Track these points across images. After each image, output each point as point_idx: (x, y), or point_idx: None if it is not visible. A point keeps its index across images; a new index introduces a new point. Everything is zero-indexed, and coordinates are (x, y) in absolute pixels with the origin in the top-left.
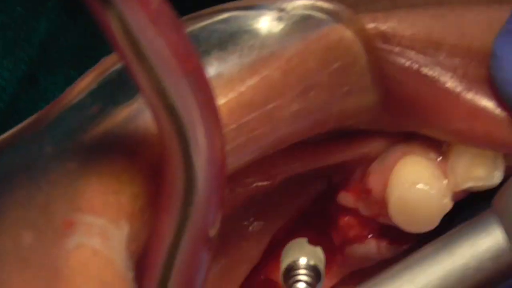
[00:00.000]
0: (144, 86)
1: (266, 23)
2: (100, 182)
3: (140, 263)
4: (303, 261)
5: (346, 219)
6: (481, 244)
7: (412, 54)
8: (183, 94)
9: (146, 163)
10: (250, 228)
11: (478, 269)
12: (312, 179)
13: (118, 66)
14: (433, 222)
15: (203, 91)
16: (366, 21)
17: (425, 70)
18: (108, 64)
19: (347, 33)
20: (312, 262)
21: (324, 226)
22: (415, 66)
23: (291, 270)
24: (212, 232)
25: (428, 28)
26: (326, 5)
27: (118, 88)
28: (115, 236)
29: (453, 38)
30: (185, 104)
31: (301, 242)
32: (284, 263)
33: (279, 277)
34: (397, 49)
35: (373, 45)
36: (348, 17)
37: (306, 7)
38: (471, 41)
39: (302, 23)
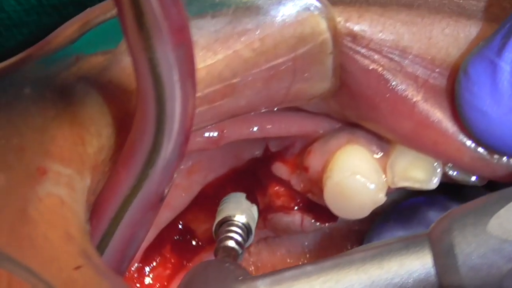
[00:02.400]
0: (136, 52)
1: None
2: (71, 131)
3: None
4: (238, 218)
5: (276, 188)
6: (409, 265)
7: (377, 57)
8: (170, 66)
9: (115, 118)
10: (182, 177)
11: (400, 286)
12: (250, 144)
13: (101, 18)
14: (364, 213)
15: (188, 64)
16: (340, 17)
17: (387, 75)
18: (93, 16)
19: (321, 24)
20: (246, 220)
21: (253, 189)
22: (379, 69)
23: (225, 225)
24: (165, 194)
25: (397, 35)
26: None
27: (99, 40)
28: (79, 187)
29: (419, 47)
30: (170, 76)
31: (240, 197)
32: (220, 215)
33: (198, 226)
34: (364, 50)
35: (341, 41)
36: (325, 8)
37: None
38: (436, 52)
39: (281, 6)
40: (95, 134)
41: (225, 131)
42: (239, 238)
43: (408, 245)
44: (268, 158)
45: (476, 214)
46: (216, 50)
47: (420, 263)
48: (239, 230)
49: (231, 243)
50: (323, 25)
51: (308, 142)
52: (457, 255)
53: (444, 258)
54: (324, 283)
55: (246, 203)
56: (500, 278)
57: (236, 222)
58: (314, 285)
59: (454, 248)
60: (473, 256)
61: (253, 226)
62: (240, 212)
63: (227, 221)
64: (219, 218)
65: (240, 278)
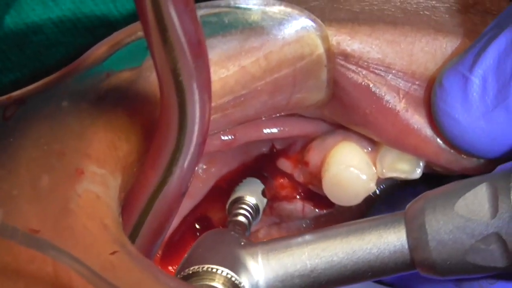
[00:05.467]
0: (161, 64)
1: (250, 21)
2: (105, 137)
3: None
4: (249, 198)
5: (281, 181)
6: (386, 237)
7: (365, 72)
8: (191, 75)
9: (142, 126)
10: (200, 171)
11: (377, 256)
12: (258, 143)
13: (127, 40)
14: (358, 200)
15: (205, 73)
16: (334, 39)
17: (373, 88)
18: (119, 38)
19: (317, 41)
20: (255, 202)
21: (261, 181)
22: (366, 83)
23: (237, 203)
24: (186, 189)
25: (383, 54)
26: (303, 14)
27: (126, 59)
28: (112, 185)
29: (402, 63)
30: (190, 83)
31: (256, 182)
32: (234, 195)
33: (214, 215)
34: (354, 67)
35: (334, 59)
36: (320, 27)
37: (286, 13)
38: (417, 67)
39: (281, 26)
40: (125, 139)
41: (237, 135)
42: (248, 215)
43: (386, 222)
44: (273, 154)
45: (446, 196)
46: (227, 66)
47: (396, 237)
48: (248, 208)
49: (240, 218)
50: (318, 42)
51: (308, 141)
52: (427, 230)
53: (416, 233)
54: (313, 250)
55: (258, 187)
56: (464, 252)
57: (247, 202)
58: (304, 251)
59: (425, 225)
60: (441, 232)
61: (261, 207)
62: (251, 193)
63: (239, 201)
64: (232, 197)
65: (242, 244)
